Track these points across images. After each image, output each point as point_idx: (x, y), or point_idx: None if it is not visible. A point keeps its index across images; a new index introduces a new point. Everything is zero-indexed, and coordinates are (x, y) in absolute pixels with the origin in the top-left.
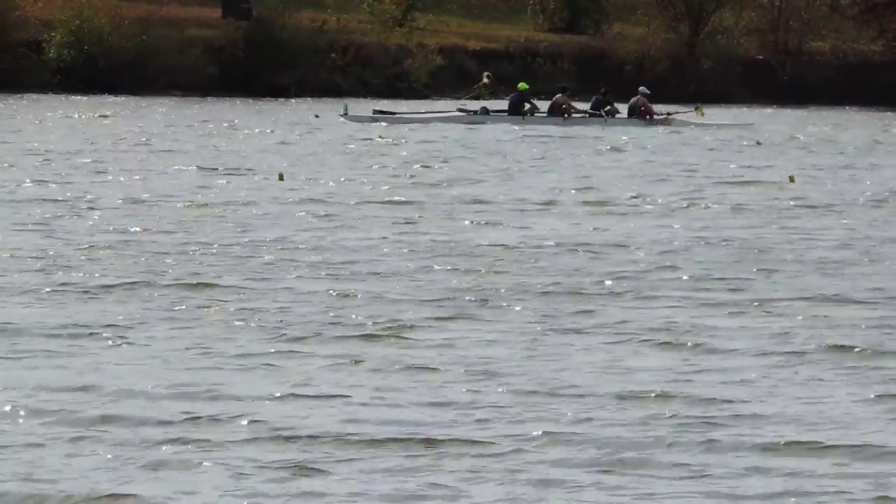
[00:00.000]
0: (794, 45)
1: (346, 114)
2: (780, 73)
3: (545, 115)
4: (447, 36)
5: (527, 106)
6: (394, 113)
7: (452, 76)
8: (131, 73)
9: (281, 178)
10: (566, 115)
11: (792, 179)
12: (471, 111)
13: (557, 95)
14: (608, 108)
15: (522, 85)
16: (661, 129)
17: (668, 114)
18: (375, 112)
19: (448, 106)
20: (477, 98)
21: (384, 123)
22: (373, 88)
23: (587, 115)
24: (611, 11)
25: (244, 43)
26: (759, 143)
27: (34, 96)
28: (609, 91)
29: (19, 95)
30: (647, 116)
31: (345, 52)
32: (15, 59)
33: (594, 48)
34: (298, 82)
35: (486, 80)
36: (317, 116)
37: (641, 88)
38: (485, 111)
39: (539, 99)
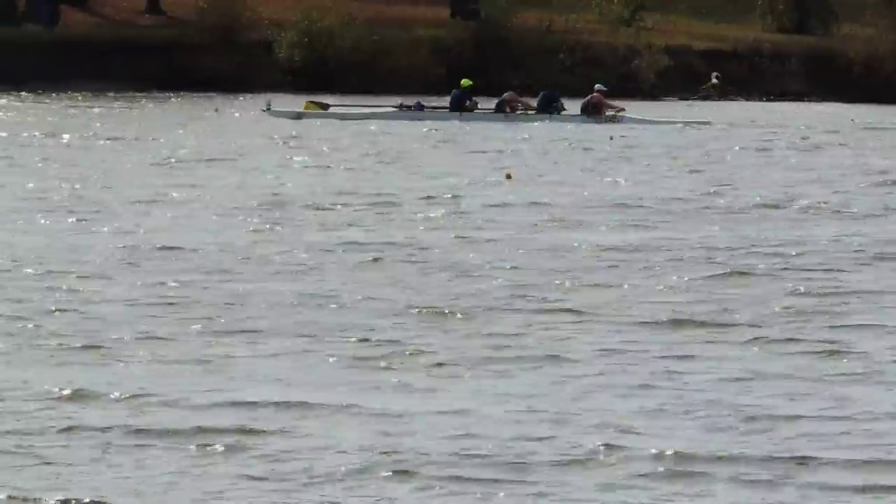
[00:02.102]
0: None
1: (269, 109)
2: None
3: (492, 111)
4: (675, 36)
5: (468, 102)
6: (327, 107)
7: (680, 77)
8: (361, 74)
9: (509, 177)
10: (509, 111)
11: None
12: (406, 107)
13: (506, 94)
14: (555, 104)
15: (466, 82)
16: (600, 126)
17: (618, 110)
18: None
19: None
20: (706, 98)
21: (317, 120)
22: None
23: (534, 112)
24: (840, 12)
25: (472, 43)
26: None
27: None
28: (558, 88)
29: (253, 94)
30: (599, 114)
31: (572, 52)
32: (247, 60)
33: (822, 49)
34: (526, 82)
35: (714, 80)
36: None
37: (597, 85)
38: (419, 107)
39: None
